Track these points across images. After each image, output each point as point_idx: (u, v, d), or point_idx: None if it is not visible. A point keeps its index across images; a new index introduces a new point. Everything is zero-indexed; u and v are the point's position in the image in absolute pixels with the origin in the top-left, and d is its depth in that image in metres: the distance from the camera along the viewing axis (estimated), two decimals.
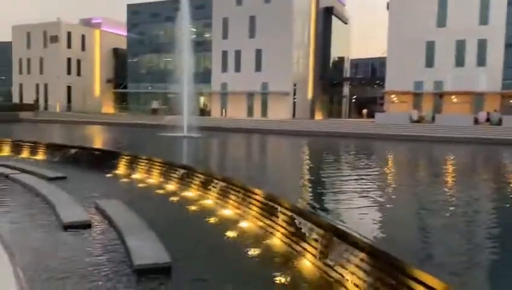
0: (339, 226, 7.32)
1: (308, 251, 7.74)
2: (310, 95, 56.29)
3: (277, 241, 8.75)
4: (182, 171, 14.51)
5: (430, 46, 44.45)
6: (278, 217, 9.19)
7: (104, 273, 6.95)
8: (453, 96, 44.31)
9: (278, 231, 8.99)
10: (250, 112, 53.01)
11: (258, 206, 10.15)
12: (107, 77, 70.12)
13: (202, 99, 57.58)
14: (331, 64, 60.63)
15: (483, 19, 42.47)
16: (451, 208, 9.40)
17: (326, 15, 58.09)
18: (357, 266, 6.42)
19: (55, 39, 64.36)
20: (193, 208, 11.55)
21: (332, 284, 6.67)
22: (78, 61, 66.44)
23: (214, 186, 12.50)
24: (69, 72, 65.55)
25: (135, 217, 9.77)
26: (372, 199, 10.01)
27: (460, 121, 37.97)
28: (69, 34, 65.18)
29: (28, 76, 66.91)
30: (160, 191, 13.75)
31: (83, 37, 67.08)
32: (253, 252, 8.13)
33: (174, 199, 12.65)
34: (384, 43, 47.40)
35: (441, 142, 32.94)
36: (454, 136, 33.89)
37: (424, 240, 7.26)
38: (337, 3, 61.67)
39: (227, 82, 53.91)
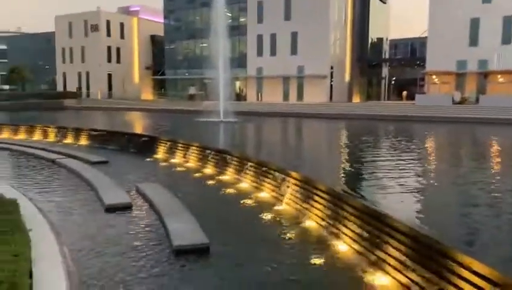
0: (377, 210, 7.20)
1: (345, 234, 7.67)
2: (347, 77, 55.23)
3: (313, 224, 8.72)
4: (219, 155, 14.66)
5: (475, 24, 42.36)
6: (314, 200, 9.14)
7: (144, 253, 7.18)
8: (499, 76, 42.23)
9: (314, 214, 8.96)
10: (285, 96, 52.68)
11: (294, 190, 10.14)
12: (146, 64, 71.43)
13: (238, 84, 57.68)
14: (369, 46, 59.08)
15: None
16: (495, 194, 9.03)
17: None
18: (396, 248, 6.31)
19: (95, 28, 66.04)
20: (230, 191, 11.68)
21: (370, 267, 6.59)
22: (118, 49, 67.98)
23: (250, 170, 12.57)
24: (109, 60, 67.22)
25: (174, 200, 10.00)
26: (413, 183, 9.77)
27: (506, 101, 36.16)
28: (108, 22, 66.69)
29: (70, 65, 69.15)
30: (198, 175, 13.98)
31: (122, 25, 68.44)
32: (290, 234, 8.15)
33: (211, 182, 12.83)
34: (425, 23, 45.64)
35: (485, 124, 31.56)
36: (500, 118, 32.36)
37: (467, 225, 7.01)
38: None
39: (262, 66, 53.69)
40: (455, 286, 5.18)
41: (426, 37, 45.90)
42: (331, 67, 50.91)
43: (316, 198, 9.10)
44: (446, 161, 14.35)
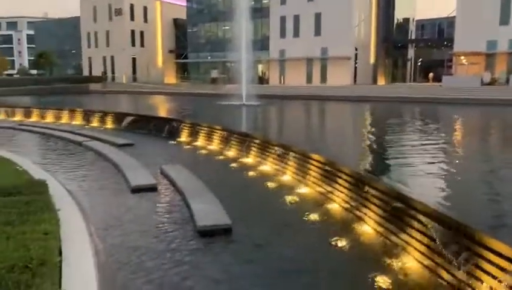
0: (403, 192, 7.10)
1: (369, 217, 7.62)
2: (372, 59, 54.15)
3: (336, 206, 8.69)
4: (241, 138, 14.69)
5: (506, 1, 40.67)
6: (337, 182, 9.08)
7: (169, 233, 7.31)
8: None
9: (337, 196, 8.91)
10: (309, 78, 52.10)
11: (317, 172, 10.09)
12: (169, 48, 71.71)
13: (260, 67, 57.35)
14: (395, 26, 57.60)
15: None
16: None
17: None
18: (420, 231, 6.23)
19: (119, 12, 66.49)
20: (252, 173, 11.72)
21: (394, 249, 6.54)
22: (141, 33, 68.40)
23: (272, 153, 12.56)
24: (133, 44, 67.78)
25: (198, 182, 10.10)
26: (439, 167, 9.58)
27: None
28: (132, 6, 67.01)
29: (95, 49, 70.06)
30: (221, 157, 14.07)
31: (145, 8, 68.69)
32: (312, 216, 8.14)
33: (234, 164, 12.90)
34: (453, 2, 44.06)
35: None
36: None
37: (493, 209, 6.84)
38: None
39: (285, 48, 53.12)
40: (481, 269, 5.09)
41: (454, 17, 44.40)
42: (356, 49, 49.97)
43: (339, 181, 9.04)
44: (475, 144, 13.99)
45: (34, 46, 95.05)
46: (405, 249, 6.40)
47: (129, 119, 22.04)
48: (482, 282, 5.02)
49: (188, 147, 16.34)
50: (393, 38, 57.38)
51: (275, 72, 54.92)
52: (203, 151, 15.24)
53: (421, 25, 67.31)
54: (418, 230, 6.29)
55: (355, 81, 50.41)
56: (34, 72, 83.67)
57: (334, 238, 6.99)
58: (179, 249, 6.64)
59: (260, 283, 5.75)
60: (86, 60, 72.10)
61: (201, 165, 13.20)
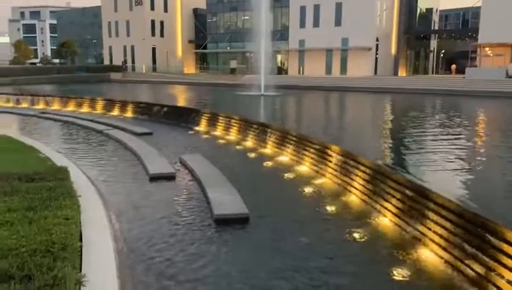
0: (422, 185, 7.00)
1: (387, 209, 7.54)
2: (393, 50, 53.20)
3: (354, 198, 8.63)
4: (259, 128, 14.68)
5: None
6: (356, 174, 9.01)
7: (186, 221, 7.39)
8: None
9: (355, 188, 8.84)
10: (328, 69, 51.55)
11: (335, 164, 10.02)
12: (188, 38, 71.81)
13: (279, 57, 56.99)
14: (417, 17, 56.37)
15: None
16: None
17: None
18: (439, 224, 6.14)
19: (139, 1, 66.78)
20: (270, 163, 11.72)
21: (412, 242, 6.47)
22: (161, 23, 68.61)
23: (290, 143, 12.52)
24: (153, 34, 68.06)
25: (215, 171, 10.16)
26: (461, 161, 9.39)
27: None
28: None
29: (116, 38, 70.61)
30: (239, 147, 14.10)
31: None
32: (330, 207, 8.11)
33: (252, 154, 12.92)
34: None
35: None
36: None
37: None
38: None
39: (305, 39, 52.59)
40: (501, 263, 5.00)
41: (479, 7, 43.17)
42: (377, 39, 49.16)
43: (358, 172, 8.96)
44: (498, 138, 13.66)
45: (56, 35, 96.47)
46: (423, 242, 6.33)
47: (148, 108, 22.25)
48: (502, 277, 4.93)
49: (206, 136, 16.42)
50: (415, 28, 56.21)
51: (294, 62, 54.50)
52: (221, 141, 15.30)
53: (445, 15, 65.74)
54: (438, 224, 6.20)
55: (375, 72, 49.67)
56: (56, 61, 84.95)
57: (350, 230, 6.95)
58: (194, 236, 6.70)
59: (277, 279, 5.75)
60: (106, 49, 72.78)
61: (220, 154, 13.24)
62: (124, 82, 55.56)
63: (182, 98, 30.81)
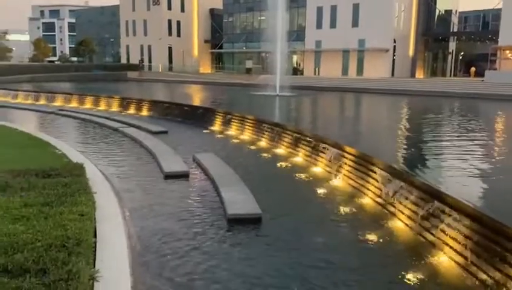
0: (439, 189, 6.90)
1: (402, 213, 7.44)
2: (411, 51, 52.64)
3: (369, 201, 8.54)
4: (274, 128, 14.65)
5: None
6: (371, 177, 8.92)
7: (200, 219, 7.41)
8: None
9: (370, 190, 8.76)
10: (345, 70, 51.24)
11: (350, 165, 9.94)
12: (205, 38, 72.15)
13: (295, 58, 56.87)
14: (436, 18, 55.66)
15: None
16: None
17: None
18: (456, 229, 6.04)
19: (157, 1, 67.36)
20: (284, 164, 11.68)
21: (427, 246, 6.37)
22: (178, 23, 69.09)
23: (304, 144, 12.47)
24: (169, 34, 68.58)
25: (229, 170, 10.16)
26: (479, 166, 9.22)
27: None
28: None
29: (133, 38, 71.34)
30: (253, 147, 14.10)
31: None
32: (343, 209, 8.04)
33: (266, 155, 12.89)
34: None
35: None
36: None
37: None
38: None
39: (321, 39, 52.37)
40: None
41: (500, 9, 42.41)
42: (394, 41, 48.70)
43: (373, 175, 8.87)
44: None
45: (75, 34, 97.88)
46: (438, 247, 6.23)
47: (164, 107, 22.39)
48: None
49: (221, 136, 16.46)
50: (434, 30, 55.52)
51: (310, 63, 54.32)
52: (236, 141, 15.31)
53: (464, 17, 64.77)
54: (455, 228, 6.10)
55: (392, 74, 49.21)
56: (75, 59, 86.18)
57: (364, 233, 6.88)
58: (207, 235, 6.71)
59: (289, 279, 5.72)
60: (124, 48, 73.56)
61: (233, 154, 13.25)
62: (140, 81, 56.06)
63: (197, 97, 30.96)
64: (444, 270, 5.75)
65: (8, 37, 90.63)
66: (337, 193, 9.11)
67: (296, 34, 52.79)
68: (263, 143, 14.53)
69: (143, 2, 68.92)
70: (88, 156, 11.46)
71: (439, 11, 56.11)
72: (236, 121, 17.30)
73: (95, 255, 4.82)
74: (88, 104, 26.81)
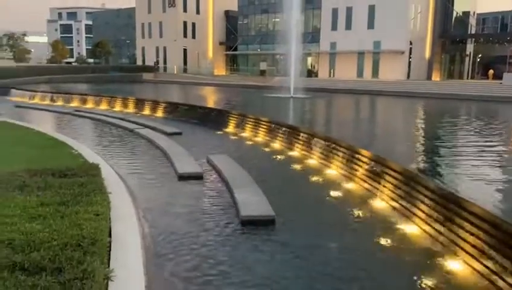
0: (456, 193, 6.80)
1: (417, 216, 7.35)
2: (427, 54, 52.04)
3: (383, 204, 8.45)
4: (287, 130, 14.62)
5: None
6: (385, 180, 8.83)
7: (213, 220, 7.43)
8: None
9: (384, 193, 8.67)
10: (360, 72, 50.89)
11: (364, 168, 9.86)
12: (219, 40, 72.44)
13: (309, 60, 56.69)
14: (453, 20, 54.93)
15: None
16: None
17: None
18: (473, 234, 5.94)
19: (172, 3, 67.87)
20: (297, 166, 11.64)
21: (442, 250, 6.28)
22: (193, 25, 69.49)
23: (318, 146, 12.41)
24: (185, 35, 69.00)
25: (242, 172, 10.17)
26: (495, 170, 9.08)
27: None
28: None
29: (149, 39, 71.99)
30: (266, 149, 14.09)
31: (197, 0, 69.67)
32: (357, 212, 7.98)
33: (280, 157, 12.87)
34: None
35: None
36: None
37: None
38: None
39: (336, 41, 52.13)
40: None
41: None
42: (410, 43, 48.22)
43: (388, 178, 8.78)
44: None
45: (91, 35, 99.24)
46: (454, 252, 6.13)
47: (178, 108, 22.53)
48: None
49: (235, 137, 16.48)
50: (451, 32, 54.79)
51: (325, 65, 54.09)
52: (249, 143, 15.32)
53: (482, 18, 63.79)
54: (471, 233, 6.00)
55: (408, 76, 48.71)
56: (91, 60, 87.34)
57: (379, 237, 6.81)
58: (220, 236, 6.72)
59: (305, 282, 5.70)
60: (139, 50, 74.27)
61: (247, 156, 13.26)
62: (155, 82, 56.51)
63: (211, 99, 31.07)
64: None
65: (27, 38, 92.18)
66: (351, 196, 9.04)
67: (311, 36, 52.64)
68: (277, 145, 14.50)
69: (159, 4, 69.50)
70: (103, 156, 11.58)
71: (457, 13, 55.38)
72: (250, 123, 17.31)
73: (109, 254, 4.87)
74: (104, 105, 27.13)
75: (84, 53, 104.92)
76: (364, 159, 10.00)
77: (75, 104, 28.52)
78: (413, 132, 15.59)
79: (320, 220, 7.80)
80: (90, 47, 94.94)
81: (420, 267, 5.86)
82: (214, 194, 9.06)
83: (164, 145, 13.57)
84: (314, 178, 10.40)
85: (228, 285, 5.31)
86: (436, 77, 52.49)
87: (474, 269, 5.71)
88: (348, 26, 50.91)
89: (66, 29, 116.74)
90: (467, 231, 6.05)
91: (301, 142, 13.51)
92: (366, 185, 9.46)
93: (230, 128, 18.05)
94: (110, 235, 5.37)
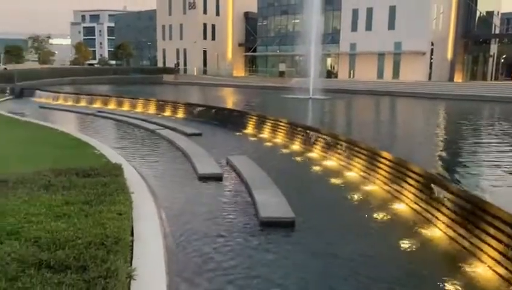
0: (478, 196, 6.68)
1: (439, 220, 7.25)
2: (449, 54, 51.15)
3: (404, 207, 8.35)
4: (307, 132, 14.58)
5: None
6: (407, 182, 8.72)
7: (233, 221, 7.47)
8: None
9: (406, 196, 8.57)
10: (380, 73, 50.35)
11: (385, 171, 9.77)
12: (239, 41, 72.68)
13: (329, 60, 56.37)
14: (476, 20, 53.84)
15: None
16: None
17: None
18: (496, 238, 5.83)
19: (193, 5, 68.46)
20: (317, 168, 11.61)
21: (465, 254, 6.18)
22: (213, 26, 69.91)
23: (338, 148, 12.34)
24: (204, 37, 69.49)
25: (262, 173, 10.19)
26: None
27: None
28: (205, 0, 68.74)
29: (169, 41, 72.74)
30: (286, 150, 14.08)
31: (217, 2, 70.10)
32: (377, 215, 7.91)
33: (299, 158, 12.85)
34: None
35: None
36: None
37: None
38: None
39: (356, 42, 51.70)
40: None
41: None
42: (432, 44, 47.47)
43: (409, 180, 8.67)
44: None
45: (113, 37, 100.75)
46: (475, 255, 6.02)
47: (198, 110, 22.71)
48: None
49: (254, 138, 16.53)
50: (474, 32, 53.72)
51: (345, 66, 53.72)
52: (269, 144, 15.34)
53: (507, 18, 62.35)
54: (495, 237, 5.89)
55: (429, 77, 47.97)
56: (113, 62, 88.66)
57: (399, 241, 6.74)
58: (240, 237, 6.76)
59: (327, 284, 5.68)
60: (160, 51, 75.07)
61: (266, 157, 13.28)
62: (176, 84, 57.04)
63: (230, 100, 31.21)
64: None
65: (51, 41, 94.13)
66: (371, 198, 8.96)
67: (331, 37, 52.35)
68: (296, 146, 14.48)
69: (179, 6, 70.16)
70: (125, 156, 11.76)
71: (480, 13, 54.26)
72: (269, 124, 17.32)
73: (131, 253, 4.95)
74: (126, 106, 27.53)
75: (106, 55, 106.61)
76: (385, 162, 9.91)
77: (97, 105, 29.02)
78: (435, 134, 15.34)
79: (340, 221, 7.76)
80: (112, 49, 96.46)
81: (441, 270, 5.78)
82: (234, 194, 9.11)
83: (184, 145, 13.70)
84: (334, 180, 10.35)
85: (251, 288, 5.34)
86: (458, 78, 51.54)
87: (498, 273, 5.60)
88: (369, 27, 50.46)
89: (89, 31, 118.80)
90: (491, 235, 5.94)
91: (320, 144, 13.45)
92: (386, 188, 9.36)
93: (250, 129, 18.10)
94: (132, 234, 5.46)
